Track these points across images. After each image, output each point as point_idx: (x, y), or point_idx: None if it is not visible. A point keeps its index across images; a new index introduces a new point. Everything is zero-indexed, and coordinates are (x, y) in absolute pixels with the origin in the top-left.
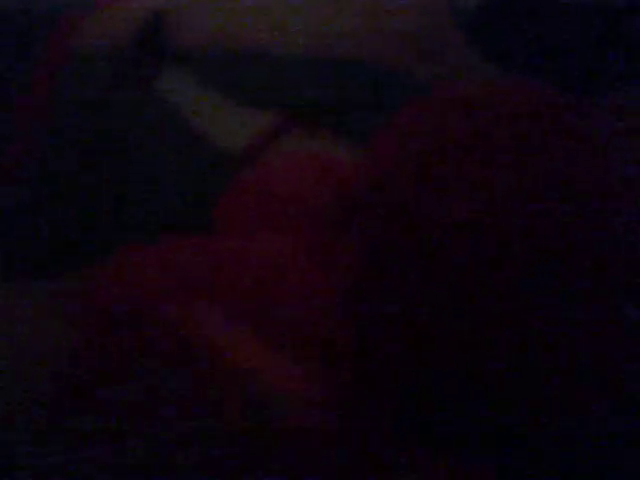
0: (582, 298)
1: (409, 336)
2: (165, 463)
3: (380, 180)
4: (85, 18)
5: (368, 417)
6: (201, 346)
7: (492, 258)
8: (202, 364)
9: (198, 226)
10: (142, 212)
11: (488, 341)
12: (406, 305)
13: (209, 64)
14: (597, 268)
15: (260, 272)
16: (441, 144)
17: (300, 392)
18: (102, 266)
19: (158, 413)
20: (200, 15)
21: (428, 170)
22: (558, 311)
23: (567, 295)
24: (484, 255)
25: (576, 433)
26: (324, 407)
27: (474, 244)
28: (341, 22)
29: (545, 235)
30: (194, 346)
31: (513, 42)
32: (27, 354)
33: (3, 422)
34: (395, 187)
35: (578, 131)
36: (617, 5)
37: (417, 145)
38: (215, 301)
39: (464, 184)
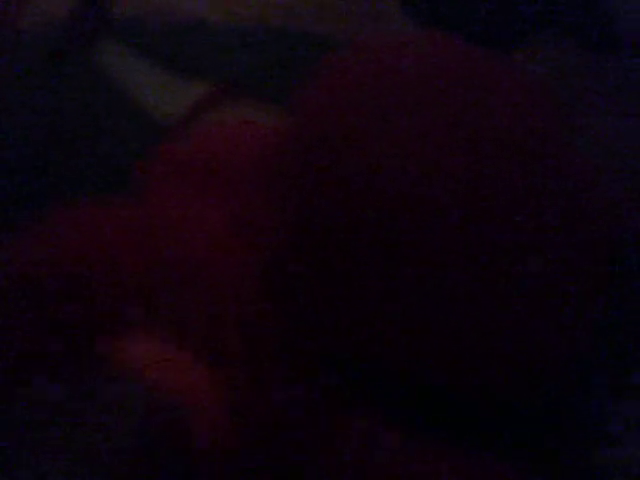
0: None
1: (335, 307)
2: None
3: (302, 142)
4: None
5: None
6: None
7: (421, 218)
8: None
9: (124, 190)
10: (74, 180)
11: (418, 303)
12: (331, 273)
13: (145, 35)
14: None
15: (181, 241)
16: (360, 99)
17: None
18: (26, 232)
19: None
20: None
21: (350, 128)
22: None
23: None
24: (413, 215)
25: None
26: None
27: (403, 203)
28: None
29: (469, 178)
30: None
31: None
32: None
33: None
34: (317, 147)
35: (494, 77)
36: None
37: (337, 103)
38: (134, 271)
39: (387, 138)
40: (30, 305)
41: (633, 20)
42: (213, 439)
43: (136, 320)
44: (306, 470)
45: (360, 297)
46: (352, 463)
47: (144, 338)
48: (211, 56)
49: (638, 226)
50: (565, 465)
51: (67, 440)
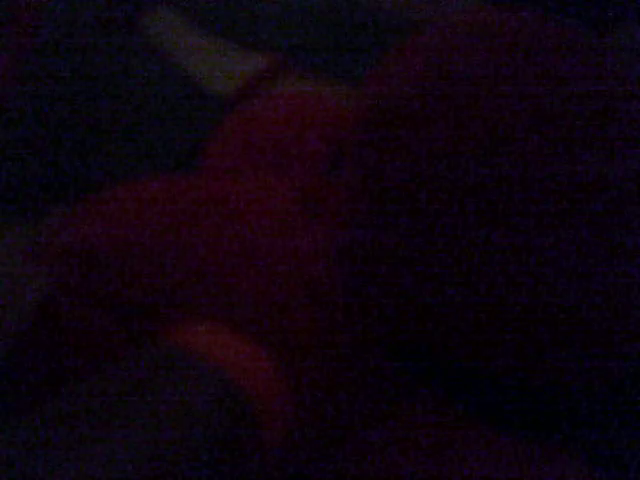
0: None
1: (406, 291)
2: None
3: (374, 120)
4: None
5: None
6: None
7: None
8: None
9: (187, 168)
10: (129, 153)
11: (484, 278)
12: (404, 254)
13: (199, 4)
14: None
15: (246, 218)
16: (434, 81)
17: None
18: (86, 204)
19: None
20: None
21: (424, 108)
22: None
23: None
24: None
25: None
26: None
27: (475, 175)
28: None
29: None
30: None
31: None
32: None
33: None
34: (391, 126)
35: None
36: None
37: (412, 82)
38: (196, 251)
39: (465, 119)
40: (93, 285)
41: None
42: (278, 428)
43: (198, 303)
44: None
45: (434, 281)
46: (399, 447)
47: (209, 323)
48: (268, 27)
49: None
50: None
51: (127, 429)
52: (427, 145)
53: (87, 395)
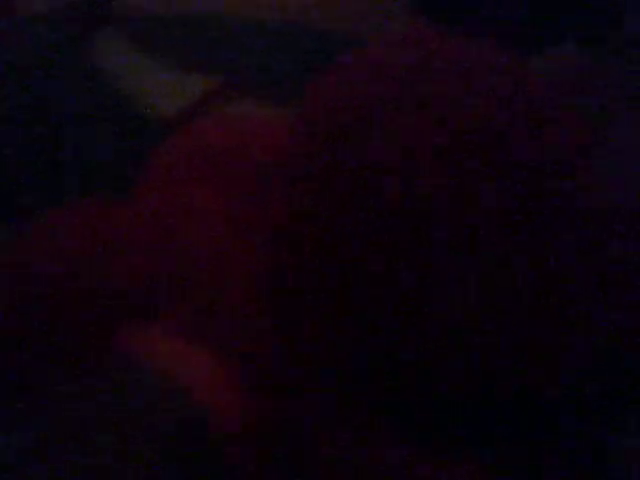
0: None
1: (333, 307)
2: None
3: (308, 144)
4: None
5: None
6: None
7: (424, 220)
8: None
9: (128, 189)
10: (73, 174)
11: (419, 306)
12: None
13: (143, 27)
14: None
15: (179, 239)
16: (362, 104)
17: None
18: (26, 230)
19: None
20: None
21: (352, 132)
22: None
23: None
24: (415, 219)
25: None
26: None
27: (405, 210)
28: None
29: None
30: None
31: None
32: None
33: None
34: (323, 151)
35: (507, 83)
36: None
37: (343, 105)
38: (132, 267)
39: (392, 145)
40: (39, 304)
41: None
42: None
43: (144, 316)
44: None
45: (363, 302)
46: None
47: (155, 332)
48: (211, 49)
49: None
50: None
51: (83, 438)
52: (356, 172)
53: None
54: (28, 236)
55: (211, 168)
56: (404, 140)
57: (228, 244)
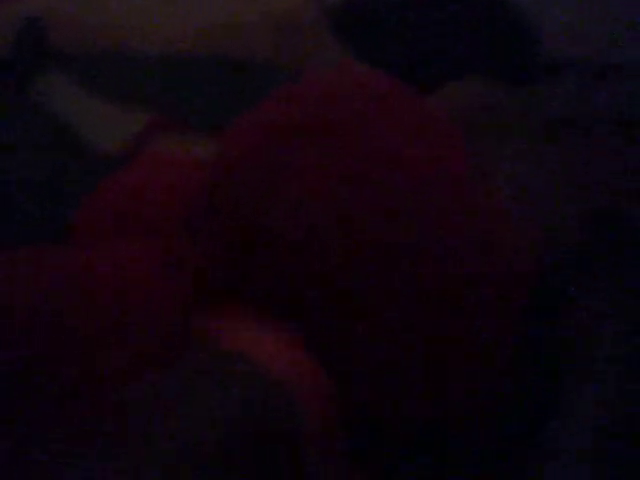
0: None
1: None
2: None
3: (224, 182)
4: None
5: None
6: None
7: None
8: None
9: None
10: (14, 215)
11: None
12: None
13: (87, 66)
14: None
15: (108, 284)
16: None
17: None
18: None
19: None
20: (77, 17)
21: (267, 171)
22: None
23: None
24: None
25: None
26: None
27: (325, 246)
28: (207, 21)
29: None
30: None
31: (377, 37)
32: None
33: None
34: (238, 189)
35: (416, 116)
36: None
37: (259, 141)
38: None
39: (303, 180)
40: None
41: (559, 48)
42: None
43: None
44: None
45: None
46: None
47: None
48: (153, 87)
49: (552, 262)
50: None
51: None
52: (267, 216)
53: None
54: None
55: (135, 212)
56: (304, 209)
57: (151, 286)
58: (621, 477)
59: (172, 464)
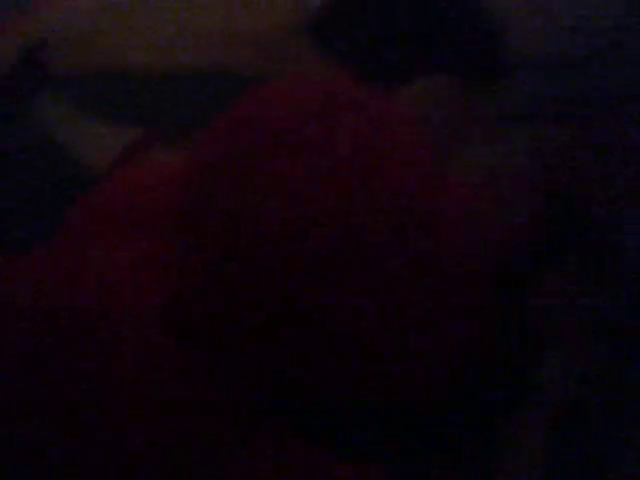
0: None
1: (237, 338)
2: None
3: (197, 186)
4: None
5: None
6: None
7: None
8: None
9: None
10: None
11: (310, 336)
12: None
13: (78, 85)
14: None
15: (95, 288)
16: (245, 146)
17: None
18: None
19: None
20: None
21: (239, 173)
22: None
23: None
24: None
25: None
26: None
27: (292, 248)
28: (194, 36)
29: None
30: None
31: (355, 41)
32: None
33: None
34: (212, 192)
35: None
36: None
37: (227, 147)
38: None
39: (274, 185)
40: None
41: (524, 44)
42: None
43: None
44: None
45: (261, 339)
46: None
47: None
48: (136, 104)
49: (519, 253)
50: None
51: None
52: (236, 216)
53: None
54: None
55: (120, 218)
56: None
57: (131, 290)
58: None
59: None
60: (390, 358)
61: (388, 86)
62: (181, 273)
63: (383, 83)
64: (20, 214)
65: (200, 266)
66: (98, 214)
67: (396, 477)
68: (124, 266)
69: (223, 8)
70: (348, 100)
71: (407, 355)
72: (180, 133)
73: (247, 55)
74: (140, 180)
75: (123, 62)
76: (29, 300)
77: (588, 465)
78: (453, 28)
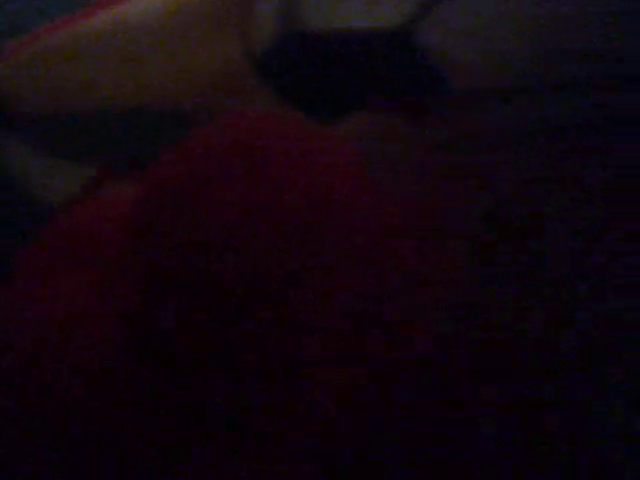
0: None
1: (189, 352)
2: None
3: (146, 214)
4: None
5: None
6: None
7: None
8: None
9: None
10: None
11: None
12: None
13: (37, 126)
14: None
15: (49, 318)
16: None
17: None
18: None
19: None
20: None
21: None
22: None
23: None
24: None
25: None
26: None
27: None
28: (148, 74)
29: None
30: None
31: (301, 82)
32: None
33: None
34: (158, 220)
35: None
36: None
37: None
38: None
39: (214, 207)
40: None
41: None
42: None
43: None
44: None
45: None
46: None
47: None
48: (95, 141)
49: None
50: None
51: None
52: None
53: None
54: None
55: (76, 249)
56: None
57: (87, 313)
58: None
59: None
60: None
61: (328, 120)
62: (136, 294)
63: (323, 118)
64: None
65: (151, 287)
66: (53, 246)
67: None
68: (78, 294)
69: (176, 49)
70: (283, 136)
71: None
72: (132, 167)
73: (197, 94)
74: (94, 212)
75: (77, 103)
76: None
77: None
78: (390, 65)
